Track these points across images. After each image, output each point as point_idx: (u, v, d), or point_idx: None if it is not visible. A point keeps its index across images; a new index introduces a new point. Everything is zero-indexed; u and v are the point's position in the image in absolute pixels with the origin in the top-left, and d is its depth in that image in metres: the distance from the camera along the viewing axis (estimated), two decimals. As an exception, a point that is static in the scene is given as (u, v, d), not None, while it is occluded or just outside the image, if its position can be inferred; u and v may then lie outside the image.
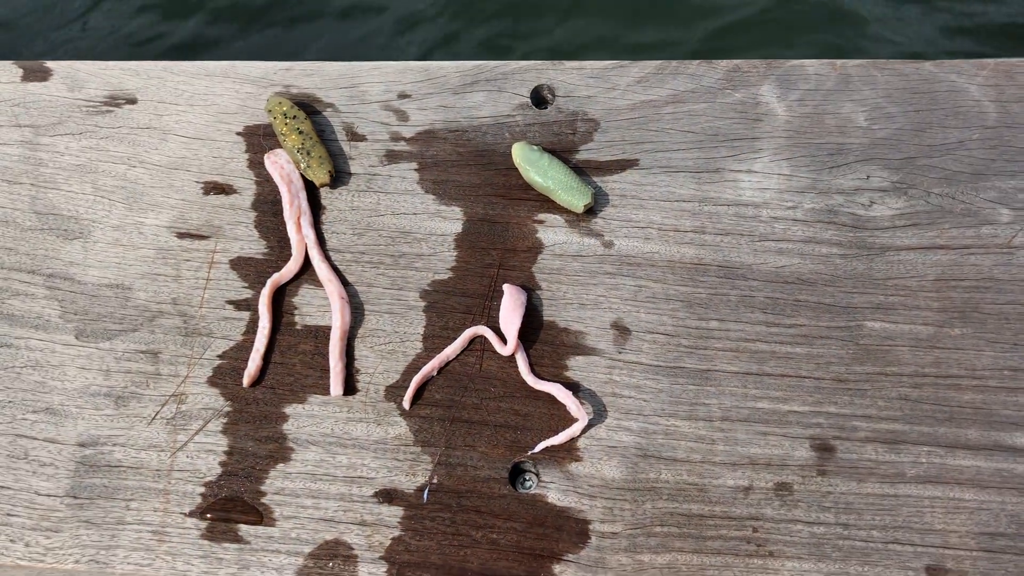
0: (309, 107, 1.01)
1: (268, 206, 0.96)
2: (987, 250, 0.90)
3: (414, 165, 0.98)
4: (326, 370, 0.88)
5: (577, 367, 0.87)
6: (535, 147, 0.95)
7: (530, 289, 0.91)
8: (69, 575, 0.81)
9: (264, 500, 0.83)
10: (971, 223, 0.91)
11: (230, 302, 0.91)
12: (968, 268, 0.89)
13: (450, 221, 0.94)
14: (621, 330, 0.88)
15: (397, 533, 0.81)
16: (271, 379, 0.88)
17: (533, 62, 1.02)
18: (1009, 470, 0.81)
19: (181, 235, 0.95)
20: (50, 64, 1.05)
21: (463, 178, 0.97)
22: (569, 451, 0.83)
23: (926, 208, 0.92)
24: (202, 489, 0.83)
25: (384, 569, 0.79)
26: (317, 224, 0.95)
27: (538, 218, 0.94)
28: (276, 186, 0.97)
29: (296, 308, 0.91)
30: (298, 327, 0.90)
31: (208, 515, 0.82)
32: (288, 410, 0.86)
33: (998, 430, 0.82)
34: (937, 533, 0.79)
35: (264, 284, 0.92)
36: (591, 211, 0.94)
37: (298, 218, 0.94)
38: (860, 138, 0.96)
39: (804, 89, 0.99)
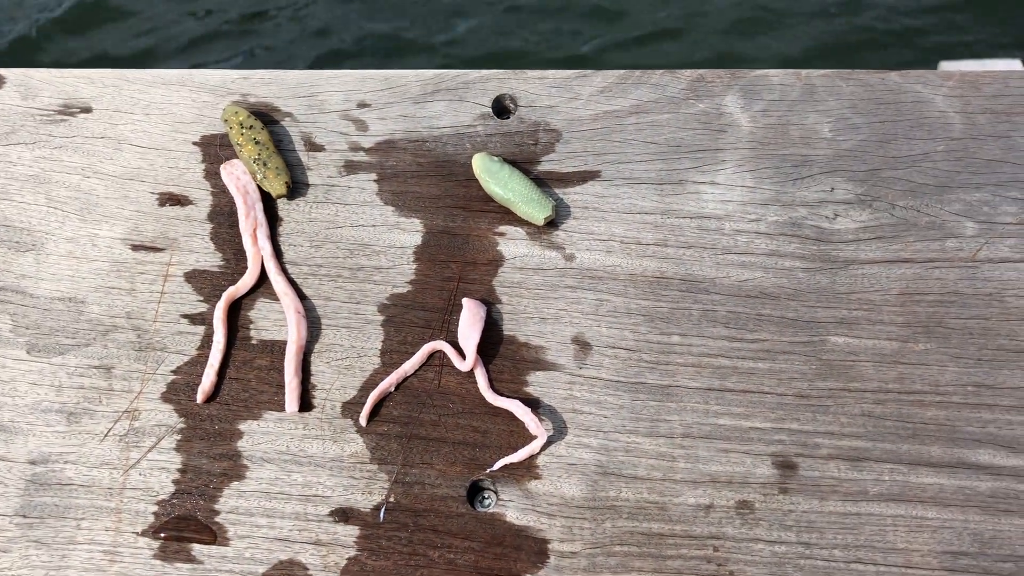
0: (267, 116, 0.99)
1: (224, 218, 0.94)
2: (951, 264, 0.89)
3: (373, 176, 0.96)
4: (282, 386, 0.86)
5: (537, 383, 0.86)
6: (495, 158, 0.93)
7: (490, 303, 0.89)
8: (16, 598, 0.79)
9: (218, 519, 0.81)
10: (936, 236, 0.91)
11: (185, 316, 0.90)
12: (932, 282, 0.89)
13: (409, 233, 0.93)
14: (582, 345, 0.87)
15: (353, 553, 0.79)
16: (226, 395, 0.86)
17: (495, 71, 1.01)
18: (972, 488, 0.80)
19: (136, 247, 0.93)
20: (2, 72, 1.03)
21: (423, 189, 0.95)
22: (528, 469, 0.82)
23: (890, 221, 0.91)
24: (155, 508, 0.82)
25: (338, 591, 0.78)
26: (274, 236, 0.93)
27: (499, 230, 0.93)
28: (232, 197, 0.95)
29: (252, 322, 0.90)
30: (254, 342, 0.89)
31: (161, 534, 0.81)
32: (243, 427, 0.85)
33: (961, 447, 0.82)
34: (899, 552, 0.78)
35: (219, 298, 0.90)
36: (552, 223, 0.93)
37: (254, 230, 0.92)
38: (824, 149, 0.95)
39: (768, 99, 0.98)
